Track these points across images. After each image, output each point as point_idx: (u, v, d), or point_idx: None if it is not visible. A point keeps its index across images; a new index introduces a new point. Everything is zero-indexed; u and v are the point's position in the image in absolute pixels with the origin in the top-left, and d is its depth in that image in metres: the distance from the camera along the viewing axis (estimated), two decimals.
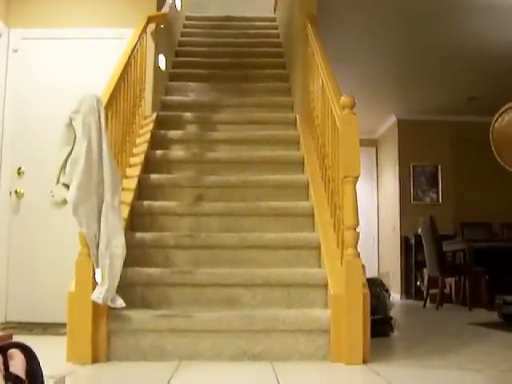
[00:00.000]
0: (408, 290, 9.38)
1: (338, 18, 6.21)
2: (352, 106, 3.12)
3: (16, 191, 4.76)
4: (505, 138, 1.69)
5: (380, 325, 3.92)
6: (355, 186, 3.03)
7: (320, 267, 3.49)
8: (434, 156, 9.63)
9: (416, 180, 9.65)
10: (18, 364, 1.62)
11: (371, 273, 8.55)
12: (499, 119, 1.75)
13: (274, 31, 7.75)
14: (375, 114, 9.72)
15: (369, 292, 3.01)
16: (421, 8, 5.98)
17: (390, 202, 10.10)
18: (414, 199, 9.61)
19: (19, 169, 4.78)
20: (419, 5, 5.92)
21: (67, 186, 2.98)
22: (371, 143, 10.89)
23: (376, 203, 10.79)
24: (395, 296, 9.37)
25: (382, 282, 4.28)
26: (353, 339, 2.90)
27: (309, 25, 4.69)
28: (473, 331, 4.55)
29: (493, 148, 1.79)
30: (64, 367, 2.76)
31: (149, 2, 5.19)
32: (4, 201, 4.79)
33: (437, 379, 2.63)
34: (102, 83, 3.71)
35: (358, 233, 3.01)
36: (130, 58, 4.19)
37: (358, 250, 3.00)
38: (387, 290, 4.22)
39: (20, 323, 4.50)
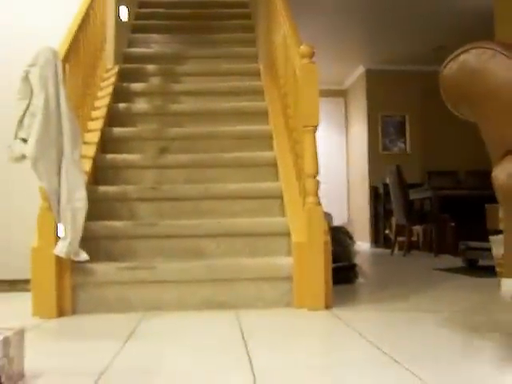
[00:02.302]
0: (377, 238, 9.51)
1: None
2: (311, 55, 3.10)
3: None
4: (455, 86, 1.69)
5: (344, 272, 4.00)
6: (315, 135, 3.05)
7: (283, 216, 3.51)
8: (403, 106, 9.66)
9: (384, 130, 9.69)
10: None
11: (342, 222, 8.65)
12: (447, 66, 1.74)
13: None
14: (343, 64, 9.69)
15: (330, 239, 3.06)
16: None
17: (359, 152, 10.14)
18: (382, 149, 9.67)
19: None
20: None
21: (25, 141, 2.94)
22: (340, 94, 10.89)
23: (345, 153, 10.85)
24: (365, 245, 9.52)
25: (346, 229, 4.33)
26: (315, 285, 2.96)
27: None
28: (437, 276, 4.65)
29: (442, 95, 1.78)
30: (29, 322, 2.78)
31: None
32: None
33: (392, 320, 2.69)
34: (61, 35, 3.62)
35: (319, 181, 3.04)
36: (88, 9, 4.10)
37: (319, 197, 3.04)
38: (351, 238, 4.28)
39: None
